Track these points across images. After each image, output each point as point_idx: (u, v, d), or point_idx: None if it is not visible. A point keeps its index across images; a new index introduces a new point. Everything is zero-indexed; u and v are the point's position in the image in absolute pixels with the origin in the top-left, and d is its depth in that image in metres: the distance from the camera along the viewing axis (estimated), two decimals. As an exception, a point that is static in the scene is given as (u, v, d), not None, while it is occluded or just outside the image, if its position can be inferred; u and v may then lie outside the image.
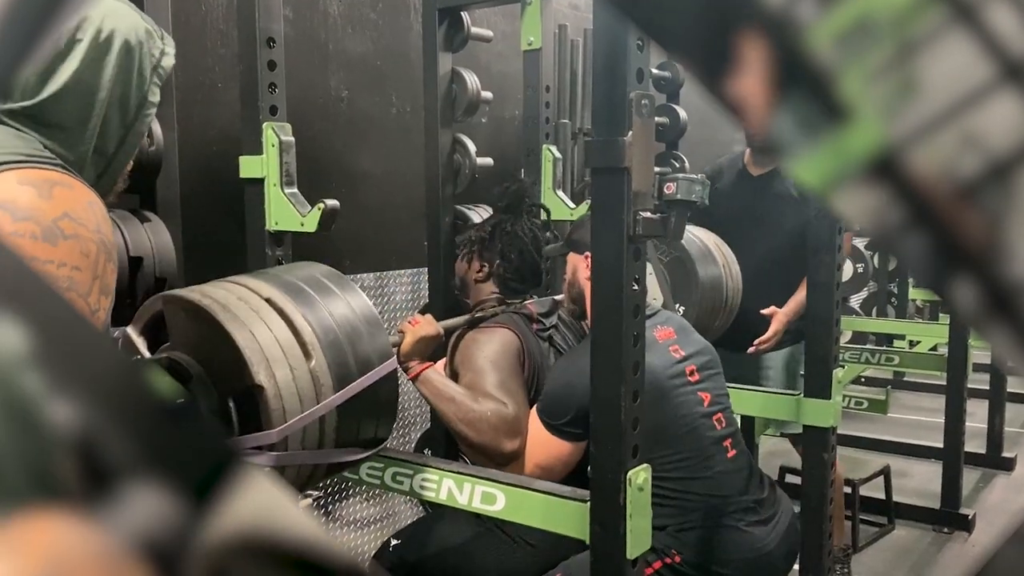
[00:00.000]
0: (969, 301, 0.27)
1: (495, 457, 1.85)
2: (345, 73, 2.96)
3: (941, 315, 5.52)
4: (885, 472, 3.66)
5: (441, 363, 2.14)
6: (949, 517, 3.68)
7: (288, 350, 1.45)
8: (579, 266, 1.99)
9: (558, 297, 2.23)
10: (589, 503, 1.54)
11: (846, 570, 3.20)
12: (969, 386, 3.82)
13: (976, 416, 4.32)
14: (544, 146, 2.90)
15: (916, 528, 3.70)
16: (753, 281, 2.88)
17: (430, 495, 1.77)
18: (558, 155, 2.90)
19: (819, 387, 2.38)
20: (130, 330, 1.50)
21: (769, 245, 2.95)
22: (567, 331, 2.23)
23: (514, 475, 1.72)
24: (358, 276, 3.05)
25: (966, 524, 3.64)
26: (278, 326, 1.47)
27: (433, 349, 1.98)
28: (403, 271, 3.22)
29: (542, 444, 1.86)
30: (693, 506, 1.83)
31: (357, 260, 3.04)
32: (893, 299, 6.00)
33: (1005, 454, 4.38)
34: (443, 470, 1.77)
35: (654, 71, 3.59)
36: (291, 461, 1.46)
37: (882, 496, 3.69)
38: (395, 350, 1.74)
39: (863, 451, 4.37)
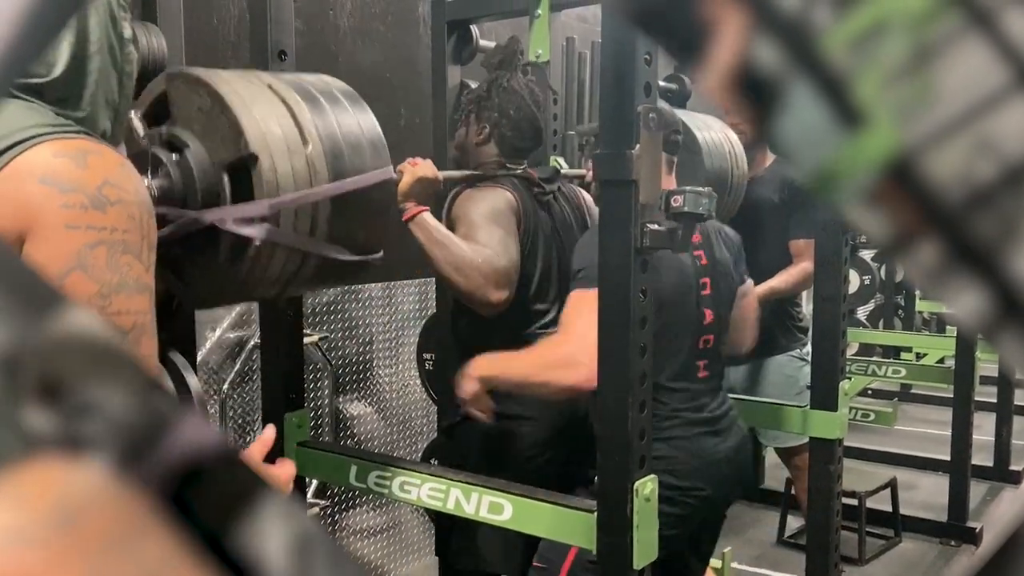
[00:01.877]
0: (982, 308, 0.27)
1: (482, 306, 1.91)
2: (354, 84, 2.96)
3: (948, 327, 5.51)
4: (892, 484, 3.66)
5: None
6: (956, 530, 3.68)
7: (287, 131, 1.43)
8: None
9: (564, 168, 2.31)
10: (596, 513, 1.55)
11: None
12: (976, 399, 3.81)
13: (983, 429, 4.31)
14: (551, 157, 2.91)
15: (923, 541, 3.69)
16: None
17: (437, 504, 1.78)
18: (565, 165, 2.92)
19: (826, 399, 2.38)
20: (133, 115, 1.45)
21: (749, 250, 2.97)
22: (565, 203, 2.22)
23: (520, 485, 1.73)
24: (366, 287, 3.07)
25: (973, 537, 3.63)
26: (279, 110, 1.45)
27: (431, 194, 2.00)
28: (410, 281, 3.24)
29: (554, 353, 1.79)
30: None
31: (366, 271, 3.06)
32: (900, 311, 5.99)
33: (1012, 467, 4.37)
34: (451, 480, 1.78)
35: (661, 83, 3.60)
36: (281, 239, 1.41)
37: (889, 509, 3.68)
38: (393, 171, 1.73)
39: (870, 463, 4.36)
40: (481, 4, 2.64)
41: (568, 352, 1.68)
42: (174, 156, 1.38)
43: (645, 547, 1.52)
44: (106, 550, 0.20)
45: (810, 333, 2.73)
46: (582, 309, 1.65)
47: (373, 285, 3.09)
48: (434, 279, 2.83)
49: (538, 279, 2.07)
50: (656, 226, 1.46)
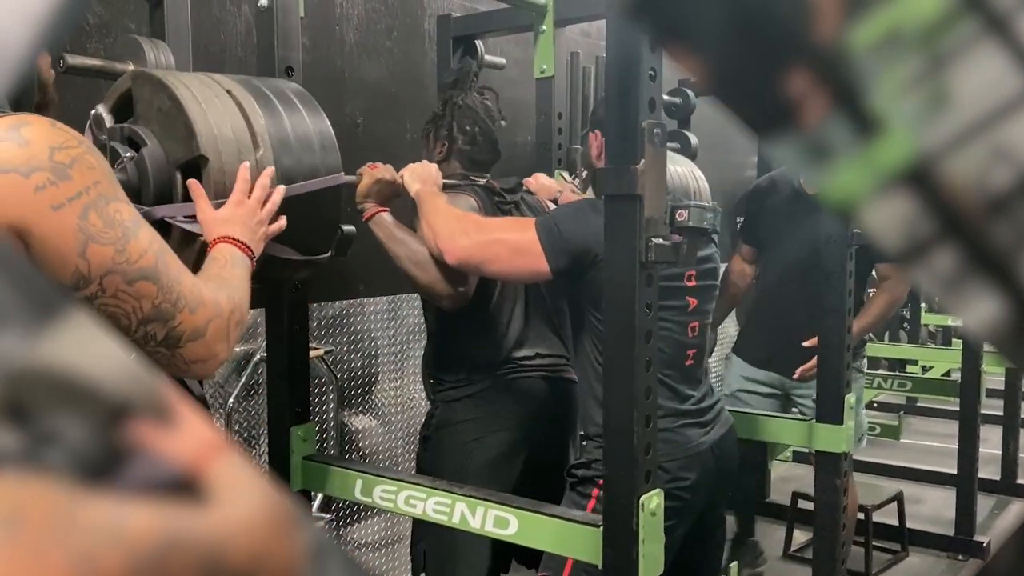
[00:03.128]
0: (997, 317, 0.27)
1: (441, 298, 1.97)
2: (361, 99, 3.00)
3: (954, 340, 5.50)
4: (898, 498, 3.64)
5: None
6: (963, 544, 3.65)
7: (238, 135, 1.49)
8: (592, 143, 2.05)
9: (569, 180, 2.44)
10: (602, 528, 1.55)
11: None
12: (983, 412, 3.80)
13: (990, 442, 4.29)
14: (556, 171, 2.93)
15: (930, 555, 3.67)
16: (795, 300, 2.90)
17: (442, 518, 1.78)
18: (569, 179, 2.93)
19: (831, 412, 2.38)
20: (100, 107, 1.52)
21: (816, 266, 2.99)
22: (528, 211, 2.27)
23: (526, 500, 1.73)
24: (372, 299, 3.08)
25: (981, 551, 3.61)
26: (233, 114, 1.50)
27: (389, 196, 2.06)
28: (415, 295, 3.25)
29: (515, 229, 1.89)
30: None
31: (371, 285, 3.07)
32: (906, 324, 5.98)
33: (1020, 480, 4.35)
34: (456, 494, 1.78)
35: (665, 97, 3.62)
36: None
37: (895, 522, 3.66)
38: (345, 176, 1.77)
39: (876, 477, 4.34)
40: (486, 20, 2.66)
41: (454, 229, 1.86)
42: (131, 153, 1.43)
43: (651, 561, 1.52)
44: (49, 545, 0.20)
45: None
46: (510, 223, 1.94)
47: (379, 298, 3.10)
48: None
49: (500, 284, 2.14)
50: (661, 240, 1.47)
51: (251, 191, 1.43)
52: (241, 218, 1.39)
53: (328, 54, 2.89)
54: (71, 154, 0.96)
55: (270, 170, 1.48)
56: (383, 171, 2.04)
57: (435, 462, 2.15)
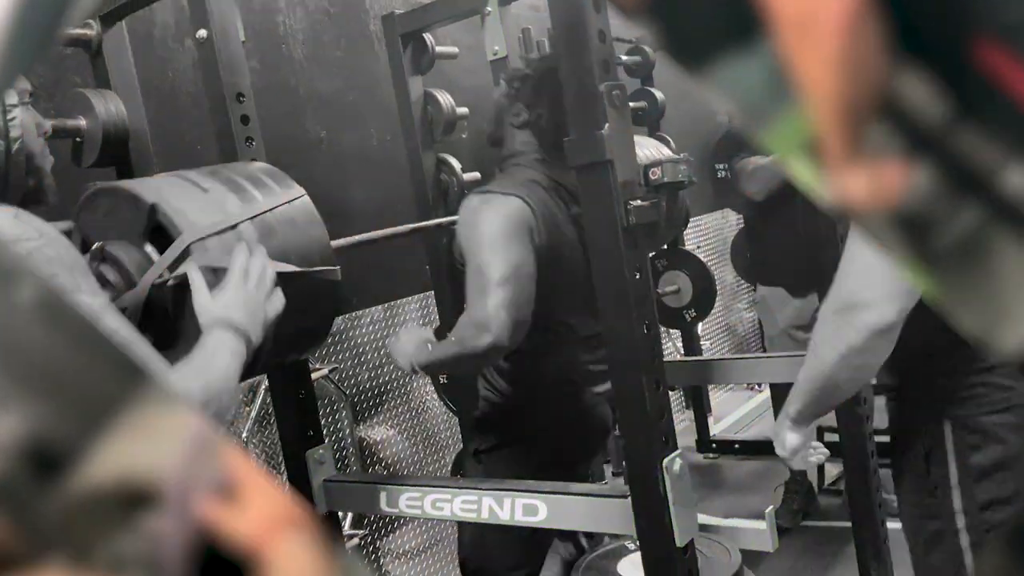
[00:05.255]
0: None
1: (494, 355, 1.81)
2: (320, 113, 2.97)
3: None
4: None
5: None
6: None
7: (214, 220, 1.44)
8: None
9: None
10: (630, 498, 1.53)
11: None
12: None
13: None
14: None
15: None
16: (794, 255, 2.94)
17: (471, 516, 1.77)
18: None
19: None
20: (71, 223, 1.48)
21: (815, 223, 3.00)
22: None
23: (551, 483, 1.71)
24: (367, 311, 3.06)
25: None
26: (212, 207, 1.46)
27: (423, 340, 1.90)
28: (411, 297, 3.23)
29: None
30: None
31: (364, 295, 3.05)
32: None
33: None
34: (481, 489, 1.76)
35: (624, 57, 3.59)
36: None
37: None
38: (335, 269, 1.65)
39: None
40: (430, 12, 2.63)
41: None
42: (115, 276, 1.39)
43: (684, 523, 1.50)
44: None
45: None
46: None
47: (374, 308, 3.08)
48: (433, 291, 2.82)
49: (564, 291, 1.95)
50: (639, 202, 1.44)
51: (247, 276, 1.37)
52: (240, 303, 1.32)
53: (280, 73, 2.86)
54: (27, 247, 0.95)
55: (262, 250, 1.42)
56: (406, 339, 1.92)
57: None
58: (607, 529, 1.62)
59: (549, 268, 1.85)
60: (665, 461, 1.50)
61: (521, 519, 1.70)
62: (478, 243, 1.80)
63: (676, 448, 1.54)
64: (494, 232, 1.79)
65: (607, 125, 1.42)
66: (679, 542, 1.49)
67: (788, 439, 1.50)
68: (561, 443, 2.02)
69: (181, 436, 0.23)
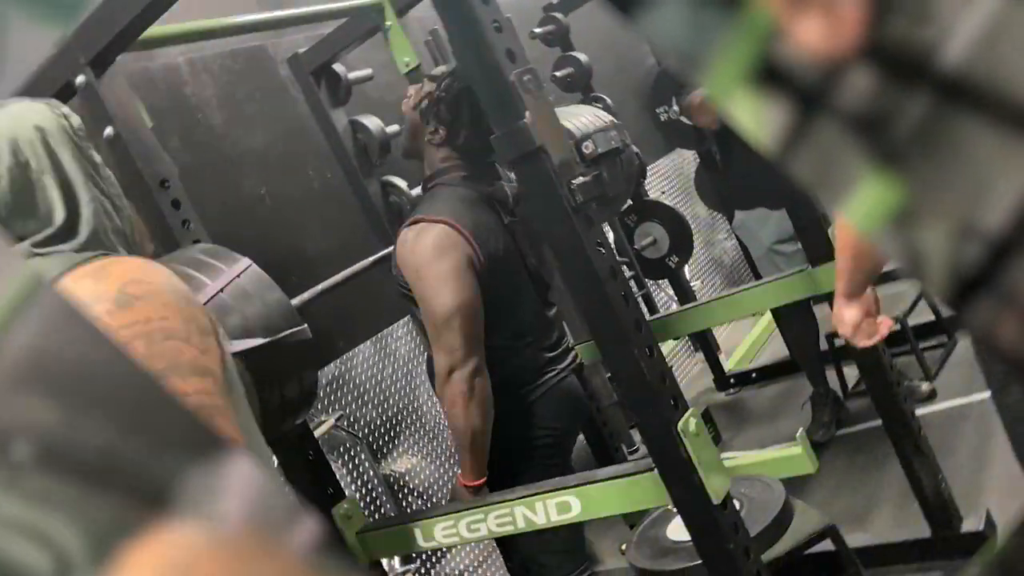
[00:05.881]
0: None
1: (474, 375, 1.83)
2: (255, 170, 2.93)
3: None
4: (925, 295, 3.61)
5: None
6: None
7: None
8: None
9: None
10: (656, 469, 1.51)
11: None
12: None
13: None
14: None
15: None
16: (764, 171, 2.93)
17: (508, 529, 1.74)
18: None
19: (821, 251, 2.33)
20: None
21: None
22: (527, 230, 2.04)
23: (577, 475, 1.69)
24: (356, 349, 3.03)
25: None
26: None
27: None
28: (395, 324, 3.20)
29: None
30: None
31: (350, 337, 3.01)
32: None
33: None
34: (511, 500, 1.74)
35: (536, 30, 3.55)
36: None
37: (932, 317, 3.65)
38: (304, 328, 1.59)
39: (895, 283, 4.32)
40: (332, 42, 2.59)
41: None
42: None
43: (716, 479, 1.48)
44: None
45: None
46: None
47: (362, 345, 3.05)
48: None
49: (510, 295, 1.96)
50: (581, 179, 1.41)
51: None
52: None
53: (203, 144, 2.81)
54: (146, 288, 0.95)
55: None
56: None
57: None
58: (642, 506, 1.59)
59: (492, 278, 1.88)
60: (680, 424, 1.47)
61: (557, 519, 1.68)
62: (419, 278, 1.84)
63: (687, 407, 1.51)
64: (431, 262, 1.82)
65: (527, 113, 1.39)
66: (715, 499, 1.47)
67: (845, 315, 1.53)
68: (544, 427, 2.01)
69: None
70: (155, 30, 1.96)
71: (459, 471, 1.92)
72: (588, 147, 1.47)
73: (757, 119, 0.26)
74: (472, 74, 1.43)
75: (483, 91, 1.43)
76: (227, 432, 0.95)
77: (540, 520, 1.70)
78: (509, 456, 1.97)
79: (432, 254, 1.81)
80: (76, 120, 1.18)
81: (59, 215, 1.07)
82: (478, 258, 1.85)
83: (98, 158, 1.18)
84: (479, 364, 1.81)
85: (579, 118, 1.75)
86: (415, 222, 1.89)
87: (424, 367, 3.11)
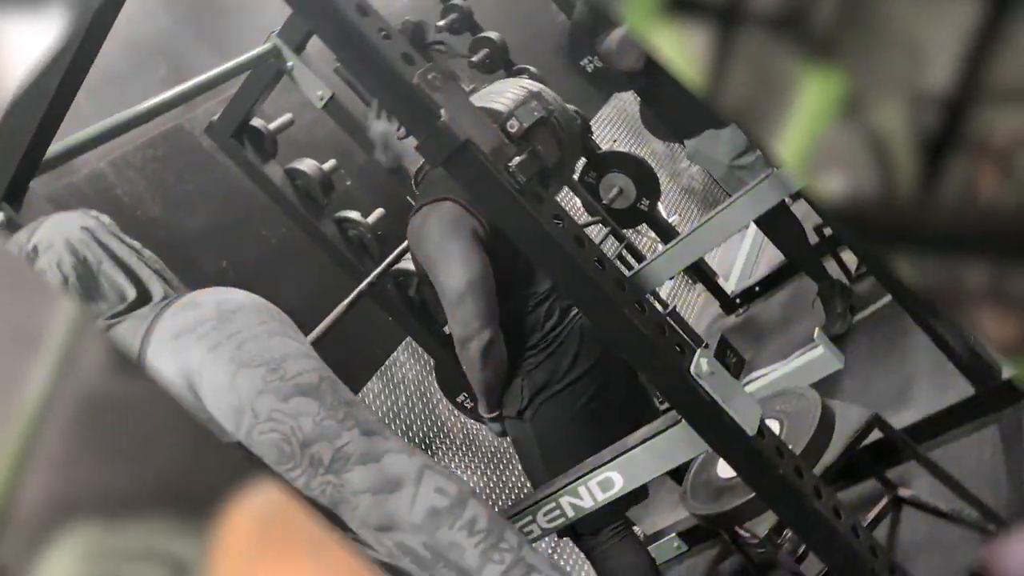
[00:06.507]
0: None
1: (490, 347, 1.92)
2: (208, 248, 2.88)
3: None
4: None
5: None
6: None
7: None
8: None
9: None
10: (683, 420, 1.47)
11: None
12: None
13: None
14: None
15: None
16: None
17: (560, 521, 1.71)
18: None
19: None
20: None
21: None
22: None
23: (609, 449, 1.65)
24: (365, 388, 2.99)
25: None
26: None
27: None
28: (396, 353, 3.16)
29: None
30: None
31: (356, 377, 2.97)
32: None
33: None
34: (554, 492, 1.70)
35: (440, 23, 3.49)
36: None
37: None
38: None
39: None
40: (242, 100, 2.53)
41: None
42: None
43: (745, 412, 1.44)
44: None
45: None
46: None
47: (370, 383, 3.01)
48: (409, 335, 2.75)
49: (522, 267, 2.02)
50: (517, 159, 1.36)
51: None
52: None
53: (149, 236, 2.74)
54: (240, 303, 1.14)
55: None
56: None
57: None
58: (683, 459, 1.56)
59: (498, 240, 1.90)
60: (692, 369, 1.43)
61: (603, 497, 1.64)
62: (431, 260, 1.91)
63: (694, 350, 1.47)
64: (439, 244, 1.89)
65: (442, 110, 1.34)
66: (750, 431, 1.42)
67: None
68: (579, 364, 2.05)
69: None
70: (62, 144, 1.92)
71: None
72: (513, 125, 1.42)
73: (681, 49, 0.25)
74: (376, 90, 1.38)
75: (392, 104, 1.38)
76: (347, 395, 1.12)
77: (587, 504, 1.66)
78: (549, 409, 2.03)
79: (438, 236, 1.89)
80: (107, 218, 1.39)
81: (130, 292, 1.24)
82: (482, 226, 1.90)
83: (137, 243, 1.36)
84: (494, 335, 1.90)
85: (503, 96, 1.71)
86: (420, 207, 1.95)
87: (435, 382, 3.07)
